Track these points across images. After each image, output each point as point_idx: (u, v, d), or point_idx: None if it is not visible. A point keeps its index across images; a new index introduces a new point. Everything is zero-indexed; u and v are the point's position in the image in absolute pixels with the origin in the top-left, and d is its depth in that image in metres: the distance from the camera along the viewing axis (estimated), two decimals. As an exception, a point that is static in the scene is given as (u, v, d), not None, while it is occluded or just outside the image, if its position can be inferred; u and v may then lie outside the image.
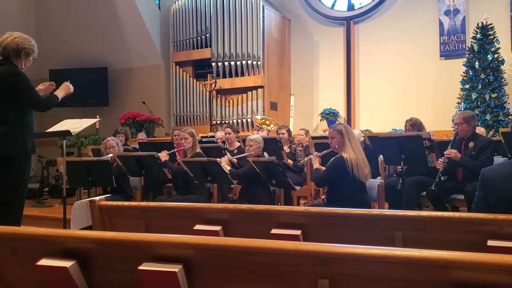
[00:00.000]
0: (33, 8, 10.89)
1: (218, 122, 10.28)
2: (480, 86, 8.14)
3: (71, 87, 4.03)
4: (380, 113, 9.85)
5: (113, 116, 10.33)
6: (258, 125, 8.62)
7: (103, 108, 10.84)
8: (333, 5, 10.94)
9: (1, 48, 3.59)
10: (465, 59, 8.58)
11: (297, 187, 5.19)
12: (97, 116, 6.77)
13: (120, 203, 2.90)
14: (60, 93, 3.92)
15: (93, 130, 9.23)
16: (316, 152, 4.42)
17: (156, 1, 11.27)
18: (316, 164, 4.28)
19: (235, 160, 5.26)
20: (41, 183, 8.60)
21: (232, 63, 10.14)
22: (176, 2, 11.00)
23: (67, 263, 1.77)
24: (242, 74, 10.14)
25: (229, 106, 10.29)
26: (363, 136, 5.79)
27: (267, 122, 8.68)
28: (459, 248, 1.66)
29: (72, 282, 1.77)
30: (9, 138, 3.51)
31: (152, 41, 10.93)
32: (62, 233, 1.92)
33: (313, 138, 6.87)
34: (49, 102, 3.78)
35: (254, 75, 10.01)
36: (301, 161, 5.28)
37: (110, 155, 5.42)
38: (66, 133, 4.68)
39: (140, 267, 1.68)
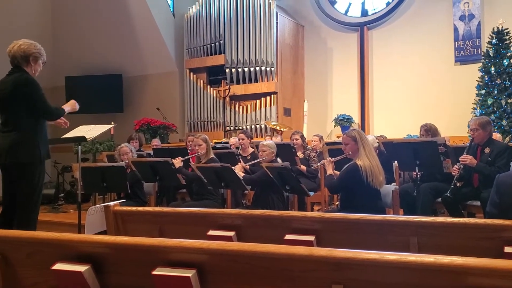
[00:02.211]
0: (49, 17, 11.03)
1: (232, 128, 10.30)
2: (496, 92, 8.05)
3: (77, 105, 4.23)
4: (395, 119, 9.78)
5: (128, 122, 10.42)
6: (271, 128, 8.67)
7: (118, 114, 10.94)
8: (346, 11, 10.92)
9: (10, 57, 3.69)
10: (480, 65, 8.49)
11: (311, 193, 5.17)
12: (112, 122, 6.81)
13: (134, 208, 2.92)
14: (66, 108, 4.09)
15: (108, 136, 9.29)
16: (330, 158, 4.37)
17: (171, 8, 11.35)
18: (330, 170, 4.23)
19: (248, 167, 5.26)
20: (57, 189, 8.66)
21: (246, 69, 10.16)
22: (190, 9, 11.08)
23: (81, 268, 1.79)
24: (256, 80, 10.15)
25: (242, 112, 10.31)
26: (378, 142, 5.74)
27: (278, 128, 8.69)
28: (475, 254, 1.63)
29: (86, 286, 1.79)
30: (23, 144, 3.57)
31: (167, 48, 11.00)
32: (77, 238, 1.93)
33: (327, 144, 6.84)
34: (58, 112, 3.93)
35: (267, 81, 10.01)
36: (314, 165, 5.24)
37: (126, 161, 5.45)
38: (82, 139, 4.74)
39: (154, 272, 1.69)
